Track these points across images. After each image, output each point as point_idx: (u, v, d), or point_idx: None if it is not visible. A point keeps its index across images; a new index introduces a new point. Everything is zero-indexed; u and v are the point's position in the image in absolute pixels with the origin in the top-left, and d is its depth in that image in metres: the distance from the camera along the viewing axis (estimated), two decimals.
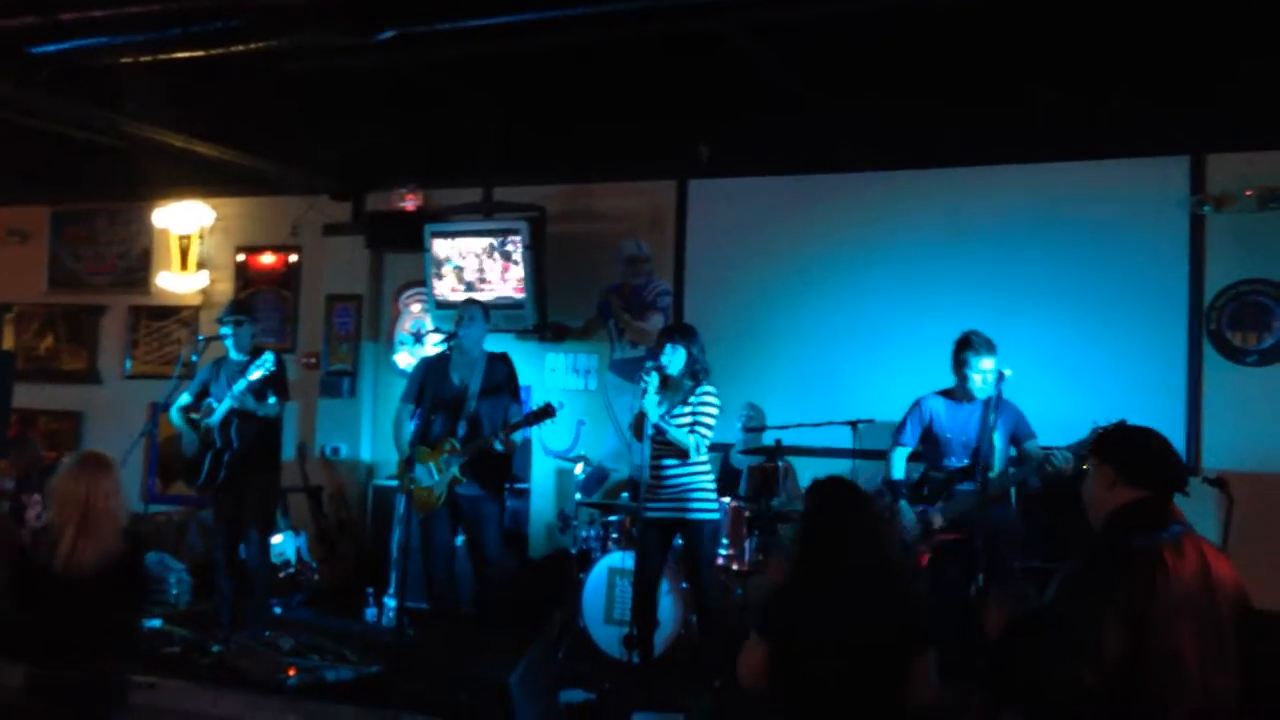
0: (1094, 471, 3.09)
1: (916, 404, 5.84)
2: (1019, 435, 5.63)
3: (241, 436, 6.57)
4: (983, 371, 5.54)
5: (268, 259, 9.17)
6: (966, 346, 5.60)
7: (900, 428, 5.86)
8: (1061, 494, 5.51)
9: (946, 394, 5.77)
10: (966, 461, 5.58)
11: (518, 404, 6.30)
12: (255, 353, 6.69)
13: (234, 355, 6.75)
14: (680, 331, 5.84)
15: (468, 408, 6.19)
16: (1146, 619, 2.78)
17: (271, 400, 6.58)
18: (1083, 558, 2.98)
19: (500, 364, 6.36)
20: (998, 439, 5.53)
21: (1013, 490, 5.64)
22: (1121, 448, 3.12)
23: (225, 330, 6.78)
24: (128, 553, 4.28)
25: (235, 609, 6.71)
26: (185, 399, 6.82)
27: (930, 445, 5.79)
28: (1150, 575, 2.82)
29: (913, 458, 5.88)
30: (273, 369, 6.51)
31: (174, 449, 8.82)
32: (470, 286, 7.83)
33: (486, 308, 6.65)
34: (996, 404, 5.47)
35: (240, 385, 6.42)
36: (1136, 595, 2.80)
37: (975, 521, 5.33)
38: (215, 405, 6.58)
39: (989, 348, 5.56)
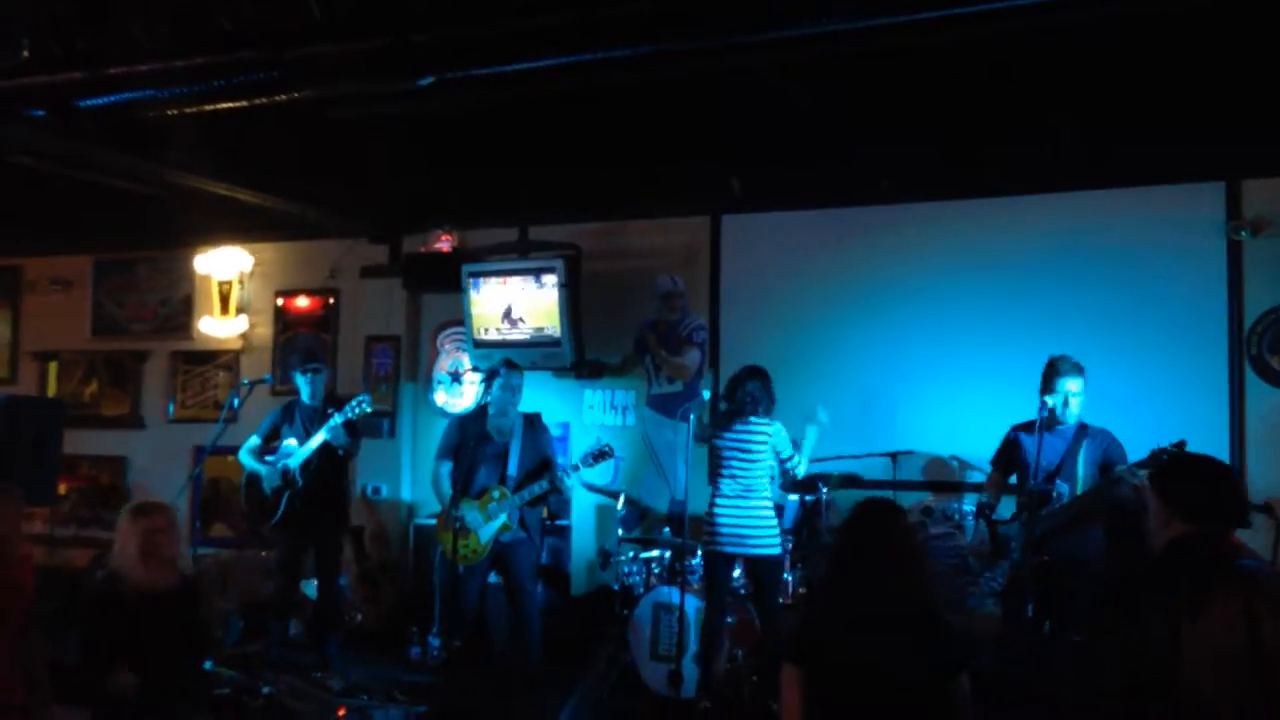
0: (1151, 504, 3.07)
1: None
2: (1109, 460, 5.50)
3: (317, 477, 6.73)
4: (1066, 393, 5.54)
5: (306, 302, 9.28)
6: (1053, 369, 5.61)
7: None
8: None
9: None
10: (1045, 487, 5.55)
11: (553, 461, 6.48)
12: (332, 396, 6.91)
13: (306, 400, 6.94)
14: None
15: (512, 460, 6.38)
16: (1161, 656, 2.74)
17: (347, 439, 6.82)
18: (1108, 588, 2.95)
19: (538, 422, 6.68)
20: (1082, 465, 5.51)
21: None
22: (1174, 482, 3.08)
23: (302, 380, 7.06)
24: (189, 586, 4.69)
25: (314, 643, 7.02)
26: (255, 441, 7.01)
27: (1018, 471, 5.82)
28: (1170, 611, 2.77)
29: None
30: (369, 409, 6.75)
31: (214, 492, 9.00)
32: (508, 325, 7.91)
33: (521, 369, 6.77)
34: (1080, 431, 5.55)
35: (338, 419, 6.64)
36: (1152, 631, 2.77)
37: (1025, 547, 5.34)
38: (293, 448, 6.74)
39: (1057, 371, 5.59)
